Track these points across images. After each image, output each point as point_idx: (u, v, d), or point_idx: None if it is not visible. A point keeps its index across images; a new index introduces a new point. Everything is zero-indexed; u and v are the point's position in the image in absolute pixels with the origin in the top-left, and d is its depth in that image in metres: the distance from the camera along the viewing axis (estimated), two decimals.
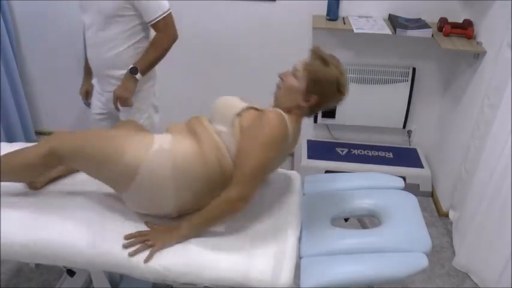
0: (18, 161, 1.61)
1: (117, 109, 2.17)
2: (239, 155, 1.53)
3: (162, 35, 2.08)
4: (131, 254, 1.48)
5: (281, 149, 1.56)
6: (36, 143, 1.65)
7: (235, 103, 1.65)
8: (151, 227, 1.58)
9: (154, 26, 2.06)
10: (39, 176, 1.72)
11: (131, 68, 2.08)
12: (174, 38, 2.11)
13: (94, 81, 2.35)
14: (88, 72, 2.36)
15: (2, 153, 1.85)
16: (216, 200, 1.51)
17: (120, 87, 2.12)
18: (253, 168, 1.49)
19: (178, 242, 1.52)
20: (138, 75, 2.10)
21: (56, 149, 1.54)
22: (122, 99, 2.13)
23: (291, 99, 1.60)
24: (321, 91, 1.58)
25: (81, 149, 1.55)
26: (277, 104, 1.62)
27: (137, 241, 1.51)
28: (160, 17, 2.03)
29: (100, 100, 2.34)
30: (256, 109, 1.61)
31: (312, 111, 1.66)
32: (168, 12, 2.04)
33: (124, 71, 2.12)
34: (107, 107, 2.32)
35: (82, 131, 1.71)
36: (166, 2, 2.04)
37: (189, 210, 1.60)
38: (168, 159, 1.54)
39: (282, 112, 1.55)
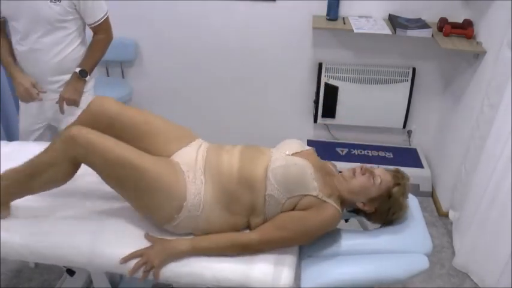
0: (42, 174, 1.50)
1: (62, 112, 2.15)
2: (282, 219, 1.51)
3: (104, 36, 2.15)
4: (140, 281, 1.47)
5: (318, 236, 1.57)
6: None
7: (308, 179, 1.52)
8: (150, 240, 1.53)
9: (97, 27, 2.10)
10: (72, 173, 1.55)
11: (80, 70, 2.11)
12: (112, 37, 2.18)
13: None
14: (17, 67, 2.14)
15: (3, 152, 1.86)
16: (233, 237, 1.50)
17: (69, 89, 2.13)
18: (287, 239, 1.51)
19: (177, 258, 1.48)
20: (88, 77, 2.15)
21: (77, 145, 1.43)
22: (71, 101, 2.14)
23: (355, 195, 1.58)
24: (382, 210, 1.61)
25: (123, 176, 1.47)
26: (339, 186, 1.58)
27: (137, 267, 1.45)
28: (103, 19, 2.09)
29: (33, 113, 2.27)
30: (320, 199, 1.52)
31: (356, 211, 1.67)
32: (108, 13, 2.11)
33: (66, 76, 2.13)
34: (45, 117, 2.28)
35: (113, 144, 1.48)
36: (104, 3, 2.09)
37: None
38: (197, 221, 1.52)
39: (340, 211, 1.54)
